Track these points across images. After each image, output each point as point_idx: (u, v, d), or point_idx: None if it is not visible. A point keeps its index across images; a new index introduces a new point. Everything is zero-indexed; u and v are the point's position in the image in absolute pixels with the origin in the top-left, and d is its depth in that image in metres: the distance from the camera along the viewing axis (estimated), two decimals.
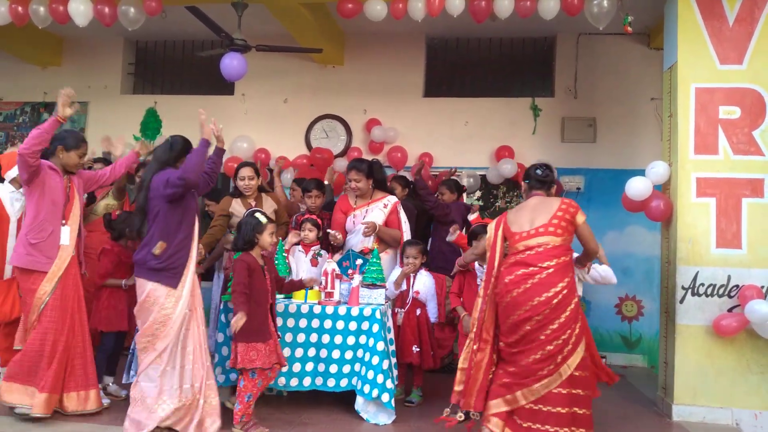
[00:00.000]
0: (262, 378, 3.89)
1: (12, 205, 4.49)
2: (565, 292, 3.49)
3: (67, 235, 4.07)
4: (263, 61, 7.07)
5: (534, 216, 3.67)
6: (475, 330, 3.71)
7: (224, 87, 7.56)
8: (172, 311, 3.79)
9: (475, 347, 3.68)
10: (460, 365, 3.76)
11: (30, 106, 8.00)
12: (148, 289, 3.81)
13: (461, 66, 7.71)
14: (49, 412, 3.90)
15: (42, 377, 3.91)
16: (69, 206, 4.14)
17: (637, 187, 4.82)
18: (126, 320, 4.49)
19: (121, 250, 4.59)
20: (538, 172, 3.87)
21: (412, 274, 4.74)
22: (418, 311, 4.71)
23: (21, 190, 4.33)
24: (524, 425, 3.47)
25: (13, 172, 4.42)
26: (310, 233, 4.93)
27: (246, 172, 5.14)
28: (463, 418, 3.74)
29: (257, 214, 4.04)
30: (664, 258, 5.02)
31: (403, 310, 4.72)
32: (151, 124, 7.67)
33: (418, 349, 4.62)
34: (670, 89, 4.96)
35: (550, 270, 3.50)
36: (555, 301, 3.46)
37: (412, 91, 7.38)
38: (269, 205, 5.35)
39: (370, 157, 7.01)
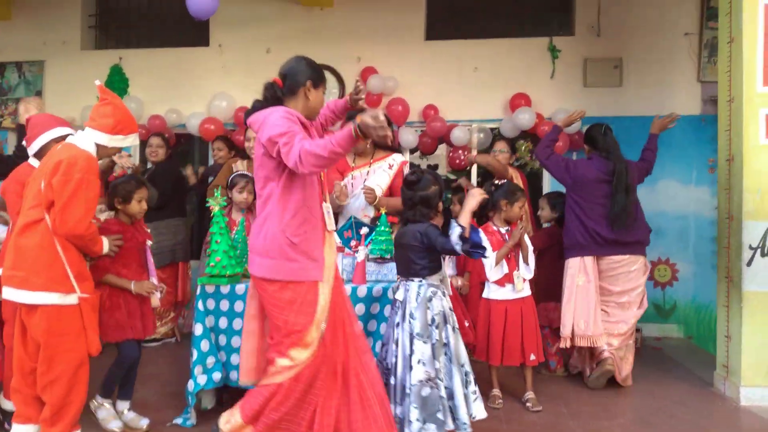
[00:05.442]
0: None
1: None
2: None
3: None
4: (241, 6, 6.31)
5: None
6: None
7: (198, 38, 6.76)
8: None
9: None
10: None
11: None
12: None
13: (468, 3, 6.87)
14: None
15: None
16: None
17: None
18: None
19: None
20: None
21: None
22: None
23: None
24: None
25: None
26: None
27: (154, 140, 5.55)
28: None
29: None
30: (723, 213, 4.25)
31: None
32: (116, 83, 6.84)
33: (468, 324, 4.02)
34: (730, 8, 4.13)
35: None
36: None
37: (412, 34, 6.57)
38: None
39: None
